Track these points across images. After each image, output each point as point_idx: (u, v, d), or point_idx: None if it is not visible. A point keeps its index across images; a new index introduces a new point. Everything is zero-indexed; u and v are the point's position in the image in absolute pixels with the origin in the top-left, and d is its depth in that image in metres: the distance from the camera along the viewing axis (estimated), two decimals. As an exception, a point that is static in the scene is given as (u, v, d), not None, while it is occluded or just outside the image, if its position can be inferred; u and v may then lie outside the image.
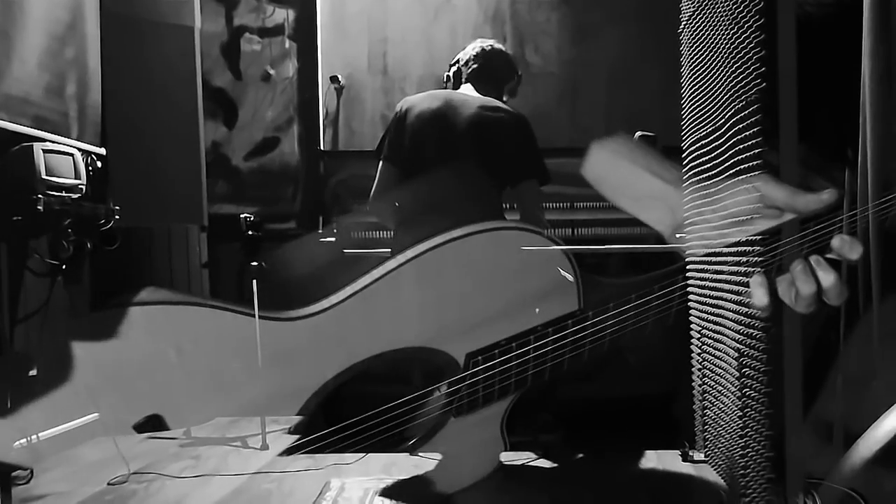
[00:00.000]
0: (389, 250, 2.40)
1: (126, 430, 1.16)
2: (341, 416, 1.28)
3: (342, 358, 1.20)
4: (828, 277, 0.81)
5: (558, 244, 1.24)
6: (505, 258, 1.22)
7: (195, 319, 1.19)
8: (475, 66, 2.54)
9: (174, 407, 1.17)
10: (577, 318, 1.17)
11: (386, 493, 2.01)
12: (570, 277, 1.79)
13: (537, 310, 1.21)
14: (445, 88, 2.60)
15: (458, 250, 1.21)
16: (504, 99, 2.56)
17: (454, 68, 2.59)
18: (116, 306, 1.16)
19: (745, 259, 1.05)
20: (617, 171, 1.16)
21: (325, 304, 1.20)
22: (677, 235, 1.14)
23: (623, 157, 1.17)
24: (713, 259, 1.21)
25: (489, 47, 2.56)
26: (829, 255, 0.83)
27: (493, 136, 2.35)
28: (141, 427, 1.16)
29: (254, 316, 1.21)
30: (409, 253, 1.20)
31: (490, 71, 2.55)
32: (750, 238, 0.95)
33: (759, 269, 0.86)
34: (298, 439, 1.37)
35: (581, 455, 2.58)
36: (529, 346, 1.18)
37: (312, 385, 1.20)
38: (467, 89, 2.49)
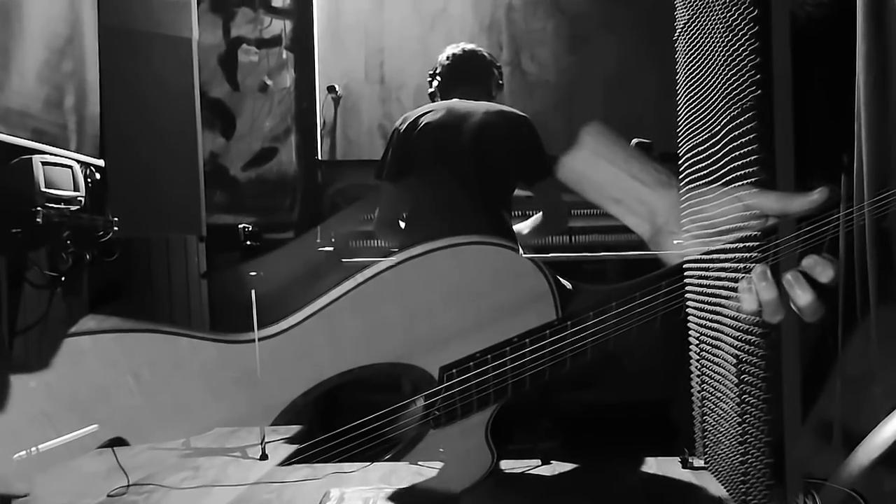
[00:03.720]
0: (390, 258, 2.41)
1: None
2: (340, 426, 1.28)
3: (308, 377, 1.19)
4: (804, 297, 0.81)
5: (533, 260, 1.23)
6: (474, 272, 1.21)
7: (149, 346, 1.18)
8: (455, 72, 2.56)
9: (137, 430, 1.17)
10: (555, 328, 1.17)
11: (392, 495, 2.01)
12: (568, 285, 1.79)
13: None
14: (434, 101, 2.61)
15: (424, 266, 1.20)
16: (493, 94, 2.57)
17: (435, 82, 2.61)
18: (67, 336, 1.15)
19: (741, 265, 1.05)
20: (597, 172, 1.17)
21: (284, 324, 1.19)
22: (675, 242, 1.14)
23: (602, 157, 1.18)
24: (711, 265, 1.22)
25: (461, 51, 2.58)
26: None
27: (500, 140, 2.36)
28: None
29: (209, 340, 1.19)
30: (372, 270, 1.20)
31: (471, 74, 2.56)
32: (746, 242, 0.95)
33: (746, 276, 0.87)
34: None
35: (580, 462, 2.57)
36: (506, 357, 1.18)
37: (279, 404, 1.19)
38: (458, 98, 2.49)
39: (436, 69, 2.61)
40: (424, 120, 2.36)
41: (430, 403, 1.19)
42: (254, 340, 1.15)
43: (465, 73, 2.54)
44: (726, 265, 1.13)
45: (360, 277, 1.18)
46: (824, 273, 0.80)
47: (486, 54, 2.61)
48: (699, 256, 1.18)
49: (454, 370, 1.18)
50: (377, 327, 1.18)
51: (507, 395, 1.19)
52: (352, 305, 1.17)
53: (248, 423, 1.20)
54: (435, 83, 2.60)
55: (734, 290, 1.03)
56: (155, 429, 1.18)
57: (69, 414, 1.13)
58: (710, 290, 1.33)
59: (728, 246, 1.05)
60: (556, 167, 2.49)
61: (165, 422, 1.17)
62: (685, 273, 1.30)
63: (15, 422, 1.12)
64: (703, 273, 1.29)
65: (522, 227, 2.48)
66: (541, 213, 2.46)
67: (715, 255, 1.14)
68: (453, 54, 2.57)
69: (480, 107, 2.40)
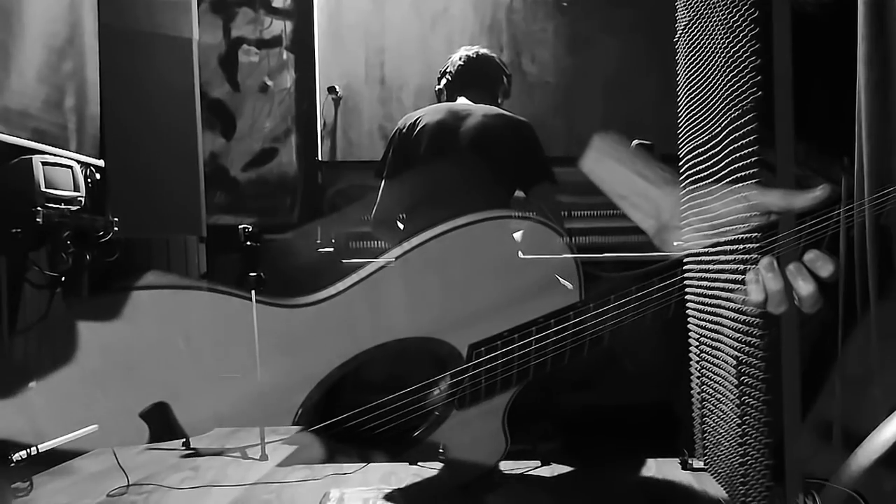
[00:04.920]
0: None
1: (132, 418, 1.16)
2: (339, 424, 1.28)
3: (347, 346, 1.21)
4: (806, 287, 0.82)
5: (569, 244, 1.25)
6: (509, 249, 1.23)
7: (202, 304, 1.19)
8: (466, 75, 2.56)
9: (181, 394, 1.17)
10: (579, 310, 1.18)
11: (390, 495, 2.01)
12: (569, 286, 1.79)
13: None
14: (439, 101, 2.62)
15: (462, 240, 1.22)
16: (499, 102, 2.58)
17: (444, 80, 2.61)
18: (123, 289, 1.16)
19: (741, 266, 1.06)
20: (605, 169, 1.18)
21: (331, 290, 1.20)
22: (675, 243, 1.15)
23: (610, 156, 1.19)
24: (711, 267, 1.22)
25: (475, 54, 2.58)
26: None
27: (501, 143, 2.36)
28: (147, 415, 1.16)
29: (260, 302, 1.21)
30: (414, 242, 1.21)
31: (481, 78, 2.57)
32: (746, 237, 0.96)
33: (753, 267, 0.88)
34: (302, 428, 1.37)
35: (580, 464, 2.57)
36: (532, 337, 1.19)
37: (318, 373, 1.20)
38: (463, 101, 2.51)
39: (447, 68, 2.61)
40: (424, 121, 2.38)
41: (458, 381, 1.20)
42: (301, 305, 1.17)
43: (474, 78, 2.55)
44: (726, 266, 1.13)
45: (401, 249, 1.19)
46: (824, 267, 0.82)
47: (499, 62, 2.62)
48: (700, 253, 1.18)
49: (483, 348, 1.19)
50: (413, 302, 1.20)
51: (528, 377, 1.20)
52: (391, 278, 1.18)
53: (288, 388, 1.21)
54: (444, 81, 2.60)
55: (734, 289, 1.03)
56: (199, 394, 1.19)
57: (118, 370, 1.14)
58: (709, 292, 1.33)
59: (728, 247, 1.05)
60: (553, 170, 2.50)
61: (211, 386, 1.18)
62: (685, 272, 1.31)
63: (68, 377, 1.12)
64: (703, 274, 1.29)
65: (519, 234, 2.48)
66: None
67: (715, 255, 1.14)
68: (467, 56, 2.57)
69: (480, 109, 2.41)
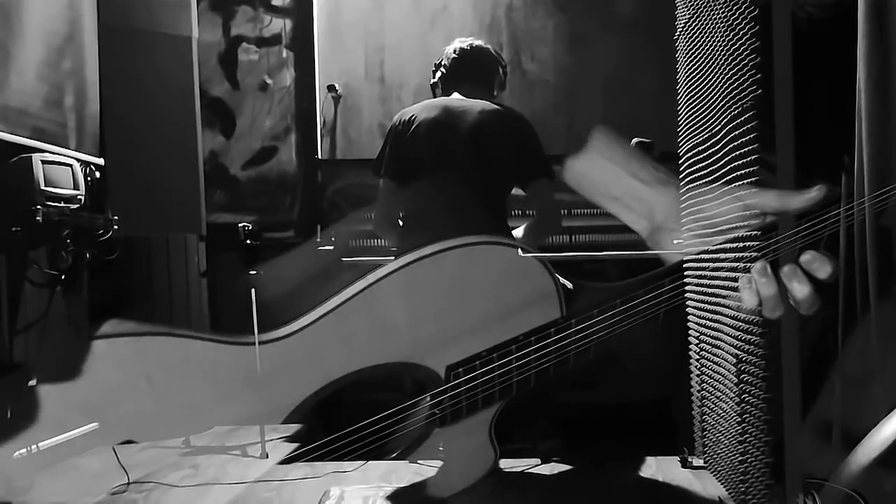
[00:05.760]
0: (390, 258, 2.42)
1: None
2: (340, 424, 1.28)
3: (318, 377, 1.21)
4: (801, 289, 0.82)
5: (539, 260, 1.24)
6: (481, 272, 1.22)
7: (162, 349, 1.19)
8: (461, 68, 2.53)
9: (147, 434, 1.18)
10: (560, 326, 1.17)
11: (391, 494, 2.01)
12: (569, 285, 1.79)
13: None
14: (434, 95, 2.60)
15: (433, 266, 1.21)
16: (495, 93, 2.55)
17: (439, 73, 2.58)
18: (84, 340, 1.16)
19: (741, 265, 1.06)
20: (596, 170, 1.18)
21: (295, 326, 1.20)
22: (675, 241, 1.14)
23: (602, 156, 1.19)
24: (711, 265, 1.22)
25: (469, 46, 2.55)
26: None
27: (497, 139, 2.34)
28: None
29: (220, 342, 1.21)
30: (382, 271, 1.21)
31: (476, 70, 2.54)
32: (745, 241, 0.95)
33: (745, 273, 0.87)
34: (293, 452, 1.37)
35: (580, 462, 2.57)
36: (511, 356, 1.18)
37: (290, 404, 1.20)
38: (457, 97, 2.49)
39: (441, 61, 2.58)
40: (420, 118, 2.35)
41: (437, 402, 1.19)
42: (267, 342, 1.17)
43: (469, 70, 2.52)
44: (725, 264, 1.13)
45: (370, 278, 1.19)
46: (822, 269, 0.81)
47: (493, 53, 2.58)
48: (698, 255, 1.18)
49: (461, 369, 1.19)
50: (386, 328, 1.19)
51: (511, 393, 1.20)
52: (362, 306, 1.18)
53: (258, 423, 1.22)
54: (438, 74, 2.58)
55: (734, 288, 1.03)
56: (167, 433, 1.20)
57: (83, 418, 1.14)
58: (709, 290, 1.33)
59: (727, 245, 1.05)
60: (553, 167, 2.49)
61: (177, 425, 1.19)
62: (685, 272, 1.30)
63: (26, 427, 1.12)
64: (702, 272, 1.29)
65: (518, 231, 2.48)
66: (536, 214, 2.46)
67: (714, 254, 1.14)
68: (461, 49, 2.54)
69: (476, 105, 2.38)
